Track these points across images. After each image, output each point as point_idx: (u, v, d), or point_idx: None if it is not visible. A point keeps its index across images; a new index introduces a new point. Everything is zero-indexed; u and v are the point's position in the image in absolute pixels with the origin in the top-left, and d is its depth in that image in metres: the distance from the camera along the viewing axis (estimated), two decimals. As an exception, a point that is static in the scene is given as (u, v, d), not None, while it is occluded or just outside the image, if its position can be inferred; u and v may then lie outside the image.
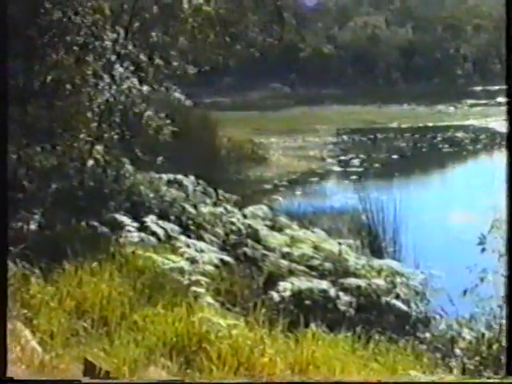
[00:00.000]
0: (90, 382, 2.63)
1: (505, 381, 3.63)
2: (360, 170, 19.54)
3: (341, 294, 7.66)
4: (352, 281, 7.92)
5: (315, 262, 8.44)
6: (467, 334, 6.90)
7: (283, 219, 9.92)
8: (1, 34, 2.77)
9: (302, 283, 7.71)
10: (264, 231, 9.20)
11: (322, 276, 8.19)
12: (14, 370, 4.46)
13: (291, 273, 8.16)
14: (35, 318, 5.99)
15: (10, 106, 9.03)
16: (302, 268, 8.26)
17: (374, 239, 11.11)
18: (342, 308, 7.49)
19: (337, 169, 19.99)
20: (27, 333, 5.55)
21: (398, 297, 7.87)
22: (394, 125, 26.81)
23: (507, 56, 3.70)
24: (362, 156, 21.36)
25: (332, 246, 8.93)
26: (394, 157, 21.69)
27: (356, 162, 20.79)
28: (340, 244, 9.03)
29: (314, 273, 8.20)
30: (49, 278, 6.82)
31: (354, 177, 18.33)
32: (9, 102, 2.63)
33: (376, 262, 8.66)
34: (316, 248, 8.74)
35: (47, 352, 5.22)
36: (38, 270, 6.79)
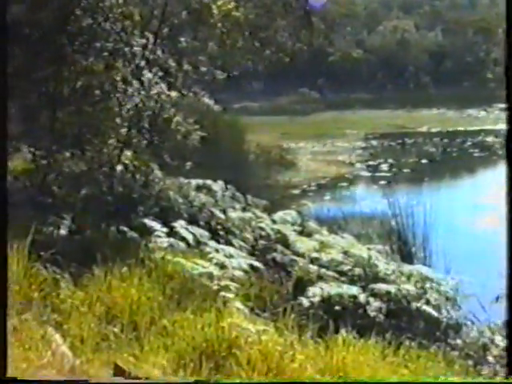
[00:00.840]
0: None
1: (505, 381, 3.59)
2: (389, 174, 19.43)
3: (371, 299, 7.61)
4: (382, 286, 7.86)
5: (345, 268, 8.40)
6: (500, 341, 6.81)
7: (312, 224, 9.89)
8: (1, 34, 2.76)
9: (332, 289, 7.66)
10: (293, 236, 9.18)
11: (351, 281, 8.15)
12: (46, 375, 4.47)
13: (320, 278, 8.12)
14: (65, 323, 6.00)
15: (40, 112, 9.14)
16: (331, 273, 8.22)
17: (403, 244, 11.03)
18: (372, 314, 7.44)
19: (366, 174, 19.91)
20: (58, 337, 5.57)
21: (428, 303, 7.79)
22: (424, 129, 26.65)
23: (507, 59, 3.65)
24: (390, 161, 21.26)
25: (361, 251, 8.88)
26: (424, 161, 21.55)
27: (385, 166, 20.69)
28: (369, 249, 8.98)
29: (343, 278, 8.16)
30: (79, 282, 6.84)
31: (383, 182, 18.24)
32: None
33: (406, 268, 8.59)
34: (345, 253, 8.69)
35: (77, 356, 5.23)
36: (68, 275, 6.81)
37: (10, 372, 4.15)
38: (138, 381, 2.66)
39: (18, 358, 4.48)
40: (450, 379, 3.43)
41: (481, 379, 3.59)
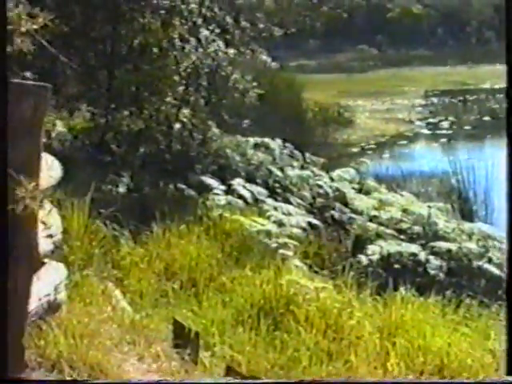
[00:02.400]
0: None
1: (505, 381, 3.52)
2: (450, 132, 19.07)
3: (431, 257, 7.51)
4: (442, 244, 7.75)
5: (404, 226, 8.30)
6: None
7: (371, 182, 9.78)
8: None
9: (391, 247, 7.59)
10: (351, 194, 9.10)
11: (411, 239, 8.05)
12: (107, 329, 4.52)
13: (379, 236, 8.04)
14: (125, 279, 6.08)
15: (97, 71, 9.16)
16: (390, 231, 8.13)
17: (464, 202, 10.85)
18: (432, 272, 7.35)
19: (426, 131, 19.58)
20: (118, 293, 5.64)
21: (490, 261, 7.65)
22: (486, 85, 26.02)
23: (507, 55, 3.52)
24: (451, 118, 20.85)
25: (421, 209, 8.76)
26: (486, 119, 21.08)
27: (445, 124, 20.31)
28: (429, 207, 8.84)
29: (402, 236, 8.06)
30: (138, 239, 6.91)
31: (443, 139, 17.92)
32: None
33: (467, 226, 8.44)
34: (405, 211, 8.58)
35: (137, 312, 5.28)
36: (128, 232, 6.88)
37: (72, 328, 4.21)
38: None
39: (80, 313, 4.53)
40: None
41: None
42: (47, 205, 4.09)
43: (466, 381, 3.49)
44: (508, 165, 3.42)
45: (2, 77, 2.62)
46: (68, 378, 3.52)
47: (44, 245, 3.95)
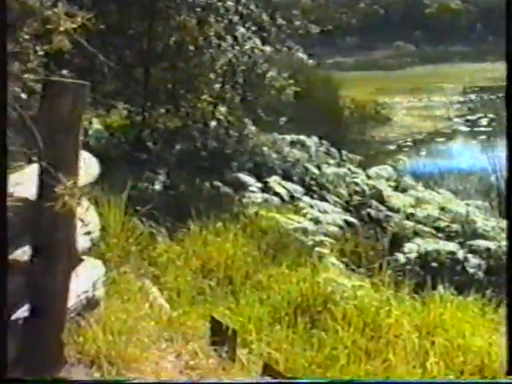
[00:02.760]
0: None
1: (505, 381, 3.46)
2: (489, 129, 18.84)
3: (469, 256, 7.42)
4: (481, 243, 7.65)
5: (442, 224, 8.21)
6: None
7: (408, 180, 9.69)
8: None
9: (429, 245, 7.51)
10: (388, 192, 9.02)
11: (448, 238, 7.96)
12: (145, 326, 4.53)
13: (416, 234, 7.96)
14: (162, 276, 6.08)
15: (134, 69, 9.19)
16: (427, 229, 8.05)
17: (503, 201, 10.69)
18: (471, 270, 7.25)
19: (464, 128, 19.36)
20: (155, 290, 5.65)
21: (530, 260, 7.52)
22: (526, 82, 25.59)
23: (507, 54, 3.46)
24: (490, 115, 20.58)
25: (459, 207, 8.66)
26: (525, 115, 20.73)
27: (484, 121, 20.06)
28: (468, 205, 8.74)
29: (440, 234, 7.98)
30: (174, 237, 6.92)
31: (482, 137, 17.70)
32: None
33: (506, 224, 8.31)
34: (442, 209, 8.49)
35: (174, 309, 5.29)
36: (164, 230, 6.89)
37: (110, 324, 4.23)
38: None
39: (118, 310, 4.54)
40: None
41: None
42: (85, 202, 4.11)
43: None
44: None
45: (2, 76, 2.62)
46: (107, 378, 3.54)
47: (82, 242, 3.97)
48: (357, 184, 9.11)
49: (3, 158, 2.54)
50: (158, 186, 8.34)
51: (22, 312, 3.42)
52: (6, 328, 2.52)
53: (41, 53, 4.17)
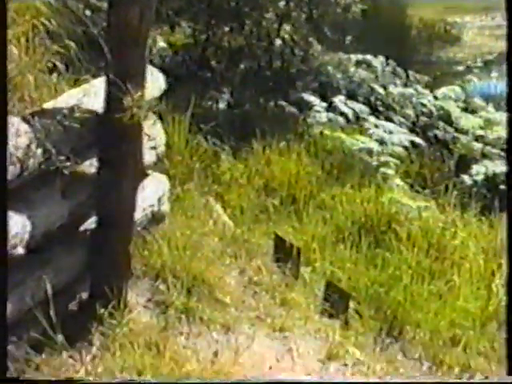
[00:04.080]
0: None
1: (505, 381, 3.36)
2: None
3: (539, 179, 7.23)
4: (552, 165, 7.43)
5: (512, 146, 7.98)
6: None
7: (477, 101, 9.42)
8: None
9: (497, 167, 7.33)
10: (456, 113, 8.79)
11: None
12: (209, 242, 4.57)
13: (485, 156, 7.78)
14: (226, 194, 6.11)
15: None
16: (496, 151, 7.85)
17: None
18: (541, 194, 7.07)
19: (537, 49, 18.65)
20: (218, 207, 5.67)
21: None
22: None
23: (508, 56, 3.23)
24: None
25: (530, 128, 8.40)
26: None
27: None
28: (539, 127, 8.47)
29: (510, 157, 7.76)
30: (238, 155, 6.91)
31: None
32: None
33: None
34: (513, 131, 8.24)
35: (238, 226, 5.32)
36: (228, 148, 6.88)
37: (175, 239, 4.27)
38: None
39: (182, 226, 4.59)
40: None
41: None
42: (151, 116, 4.10)
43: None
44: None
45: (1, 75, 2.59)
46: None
47: (148, 156, 3.98)
48: (424, 105, 8.89)
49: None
50: (222, 105, 8.29)
51: (90, 223, 3.47)
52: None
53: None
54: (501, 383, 3.49)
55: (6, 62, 2.71)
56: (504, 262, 4.23)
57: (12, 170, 2.86)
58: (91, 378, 2.97)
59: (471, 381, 3.49)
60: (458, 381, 3.44)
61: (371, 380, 3.18)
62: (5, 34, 2.75)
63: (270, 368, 3.47)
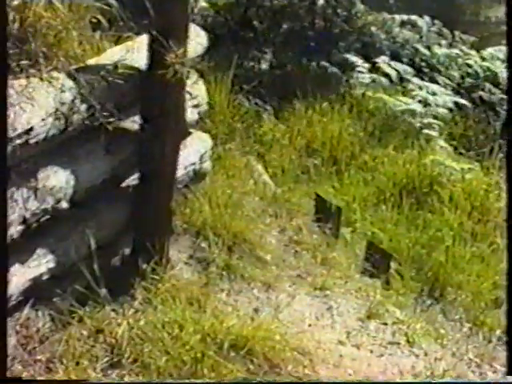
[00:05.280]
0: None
1: (505, 381, 3.29)
2: None
3: None
4: None
5: (560, 108, 7.81)
6: None
7: (525, 62, 9.21)
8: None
9: (544, 129, 7.19)
10: (503, 74, 8.61)
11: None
12: (250, 201, 4.58)
13: (531, 118, 7.63)
14: (267, 154, 6.10)
15: None
16: (543, 113, 7.69)
17: None
18: None
19: None
20: (259, 167, 5.67)
21: None
22: None
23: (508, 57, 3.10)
24: None
25: None
26: None
27: None
28: None
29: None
30: (280, 116, 6.88)
31: None
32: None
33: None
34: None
35: (279, 186, 5.32)
36: (270, 108, 6.86)
37: (215, 198, 4.28)
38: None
39: (223, 185, 4.60)
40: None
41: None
42: (194, 75, 4.09)
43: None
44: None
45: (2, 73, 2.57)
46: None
47: (190, 114, 3.98)
48: (469, 66, 8.72)
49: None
50: (264, 65, 8.23)
51: (132, 180, 3.49)
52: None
53: None
54: (501, 383, 3.49)
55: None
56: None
57: (57, 125, 2.88)
58: (133, 334, 3.00)
59: (471, 381, 3.49)
60: (458, 381, 3.44)
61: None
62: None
63: (310, 325, 3.48)
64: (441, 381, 3.37)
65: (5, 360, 2.55)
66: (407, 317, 3.86)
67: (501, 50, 9.10)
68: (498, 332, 4.12)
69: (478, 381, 3.51)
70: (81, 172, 3.09)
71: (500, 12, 15.10)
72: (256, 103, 6.77)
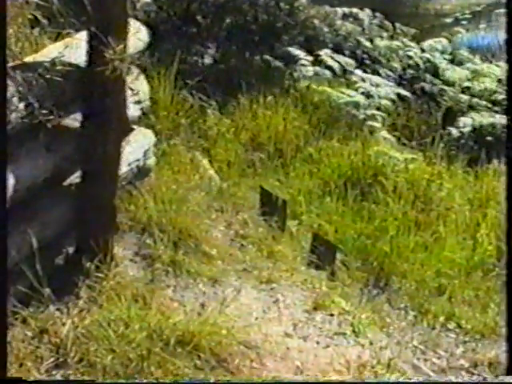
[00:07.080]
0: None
1: (505, 381, 3.42)
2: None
3: (525, 130, 7.24)
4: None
5: (499, 97, 7.97)
6: None
7: (464, 53, 9.37)
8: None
9: (484, 118, 7.34)
10: (443, 65, 8.75)
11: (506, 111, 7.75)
12: (195, 196, 4.57)
13: (472, 108, 7.78)
14: (212, 149, 6.10)
15: None
16: (484, 103, 7.84)
17: None
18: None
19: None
20: (205, 162, 5.67)
21: None
22: None
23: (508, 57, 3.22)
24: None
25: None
26: None
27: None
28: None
29: (496, 108, 7.77)
30: (224, 110, 6.88)
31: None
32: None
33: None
34: (499, 82, 8.23)
35: (224, 180, 5.33)
36: (214, 103, 6.85)
37: (160, 194, 4.27)
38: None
39: (168, 180, 4.59)
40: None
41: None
42: (135, 70, 4.07)
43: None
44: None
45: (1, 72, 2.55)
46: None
47: (132, 110, 3.95)
48: (410, 57, 8.84)
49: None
50: (207, 60, 8.22)
51: (75, 178, 3.46)
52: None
53: None
54: (501, 383, 3.56)
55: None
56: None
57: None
58: (78, 333, 2.97)
59: (471, 381, 3.55)
60: (458, 380, 3.50)
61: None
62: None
63: (257, 319, 3.49)
64: (441, 381, 3.42)
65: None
66: (353, 307, 3.90)
67: (440, 42, 9.25)
68: (441, 319, 4.19)
69: (479, 381, 3.57)
70: (21, 171, 3.05)
71: (439, 4, 15.34)
72: (200, 98, 6.75)
